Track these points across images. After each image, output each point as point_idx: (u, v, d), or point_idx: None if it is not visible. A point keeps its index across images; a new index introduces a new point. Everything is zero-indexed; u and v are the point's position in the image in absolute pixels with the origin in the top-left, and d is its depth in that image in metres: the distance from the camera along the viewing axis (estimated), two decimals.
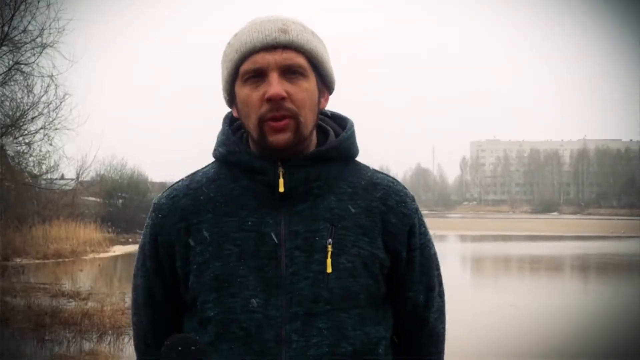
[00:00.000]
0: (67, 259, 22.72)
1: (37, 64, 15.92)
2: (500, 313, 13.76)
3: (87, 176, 28.10)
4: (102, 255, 24.54)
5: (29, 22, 15.23)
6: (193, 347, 1.52)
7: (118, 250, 26.50)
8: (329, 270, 1.60)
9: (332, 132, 1.73)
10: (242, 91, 1.63)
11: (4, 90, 16.22)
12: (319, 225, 1.62)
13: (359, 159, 1.77)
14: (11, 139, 16.78)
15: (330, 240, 1.61)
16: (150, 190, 37.34)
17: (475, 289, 18.16)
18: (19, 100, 16.69)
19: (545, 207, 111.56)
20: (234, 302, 1.60)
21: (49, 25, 15.35)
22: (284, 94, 1.58)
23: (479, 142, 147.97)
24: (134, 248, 26.48)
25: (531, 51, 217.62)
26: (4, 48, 15.15)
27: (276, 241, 1.61)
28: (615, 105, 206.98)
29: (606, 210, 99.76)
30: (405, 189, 1.75)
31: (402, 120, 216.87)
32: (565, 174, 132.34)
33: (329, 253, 1.61)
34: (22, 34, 15.31)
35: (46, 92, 16.57)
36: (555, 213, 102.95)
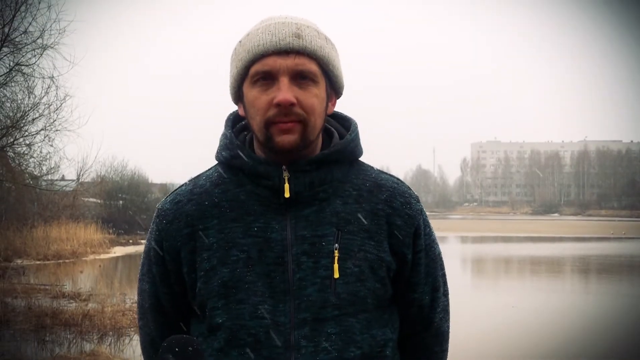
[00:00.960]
0: (67, 260, 22.70)
1: (38, 65, 15.94)
2: (501, 314, 13.75)
3: (87, 177, 28.15)
4: (102, 256, 24.52)
5: (30, 24, 15.26)
6: (190, 349, 1.51)
7: (118, 251, 26.48)
8: (336, 275, 1.59)
9: (336, 134, 1.72)
10: (251, 92, 1.61)
11: (5, 91, 16.24)
12: (325, 230, 1.62)
13: (361, 159, 1.76)
14: (12, 140, 16.77)
15: (336, 245, 1.61)
16: (150, 192, 37.35)
17: (476, 290, 18.15)
18: (19, 102, 16.72)
19: (546, 209, 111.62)
20: (242, 308, 1.59)
21: (50, 26, 15.38)
22: (294, 100, 1.56)
23: (480, 143, 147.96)
24: (134, 249, 26.55)
25: (532, 52, 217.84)
26: (5, 49, 15.16)
27: (283, 246, 1.60)
28: (615, 107, 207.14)
29: (607, 212, 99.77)
30: (410, 189, 1.75)
31: (403, 121, 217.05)
32: (565, 175, 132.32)
33: (336, 258, 1.60)
34: (22, 35, 15.33)
35: (47, 93, 16.60)
36: (556, 214, 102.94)
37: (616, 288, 18.61)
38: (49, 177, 22.00)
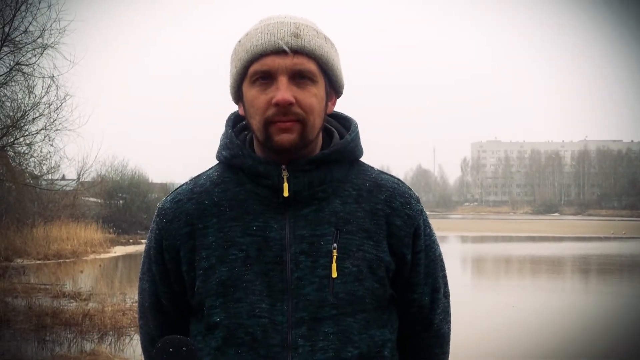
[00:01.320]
0: (68, 260, 22.69)
1: (38, 65, 15.95)
2: (501, 314, 13.74)
3: (87, 177, 28.17)
4: (102, 255, 24.51)
5: (30, 23, 15.27)
6: (184, 349, 1.51)
7: (119, 250, 26.47)
8: (334, 274, 1.59)
9: (336, 134, 1.72)
10: (250, 92, 1.61)
11: (5, 90, 16.25)
12: (324, 230, 1.62)
13: (362, 159, 1.76)
14: (12, 139, 16.78)
15: (335, 244, 1.61)
16: (151, 191, 37.35)
17: (476, 290, 18.15)
18: (19, 101, 16.74)
19: (546, 208, 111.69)
20: (240, 307, 1.59)
21: (50, 26, 15.39)
22: (292, 99, 1.56)
23: (480, 143, 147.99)
24: (134, 249, 26.55)
25: (532, 51, 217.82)
26: (5, 49, 15.17)
27: (281, 246, 1.61)
28: (616, 106, 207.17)
29: (607, 211, 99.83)
30: (410, 190, 1.74)
31: (403, 121, 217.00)
32: (566, 175, 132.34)
33: (334, 257, 1.60)
34: (23, 35, 15.34)
35: (47, 92, 16.62)
36: (556, 214, 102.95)
37: (616, 288, 18.60)
38: (49, 176, 22.05)
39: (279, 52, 1.58)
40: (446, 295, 1.79)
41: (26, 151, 17.93)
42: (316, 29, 1.64)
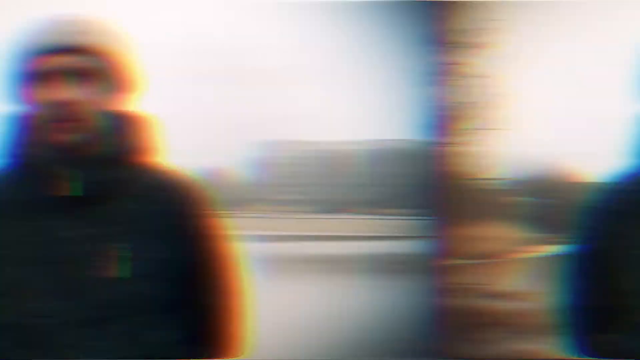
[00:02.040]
0: None
1: None
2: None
3: None
4: None
5: None
6: None
7: None
8: (119, 275, 1.61)
9: (127, 132, 1.71)
10: (35, 92, 1.62)
11: None
12: (111, 229, 1.63)
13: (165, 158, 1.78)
14: None
15: (121, 244, 1.63)
16: None
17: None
18: None
19: (336, 207, 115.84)
20: (27, 307, 1.59)
21: None
22: (69, 99, 1.59)
23: (274, 142, 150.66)
24: None
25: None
26: None
27: (69, 245, 1.61)
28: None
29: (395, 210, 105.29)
30: (195, 187, 1.76)
31: None
32: (355, 174, 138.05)
33: (120, 257, 1.62)
34: None
35: None
36: (346, 213, 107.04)
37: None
38: None
39: (53, 50, 1.61)
40: (234, 294, 1.80)
41: None
42: (96, 23, 1.67)
